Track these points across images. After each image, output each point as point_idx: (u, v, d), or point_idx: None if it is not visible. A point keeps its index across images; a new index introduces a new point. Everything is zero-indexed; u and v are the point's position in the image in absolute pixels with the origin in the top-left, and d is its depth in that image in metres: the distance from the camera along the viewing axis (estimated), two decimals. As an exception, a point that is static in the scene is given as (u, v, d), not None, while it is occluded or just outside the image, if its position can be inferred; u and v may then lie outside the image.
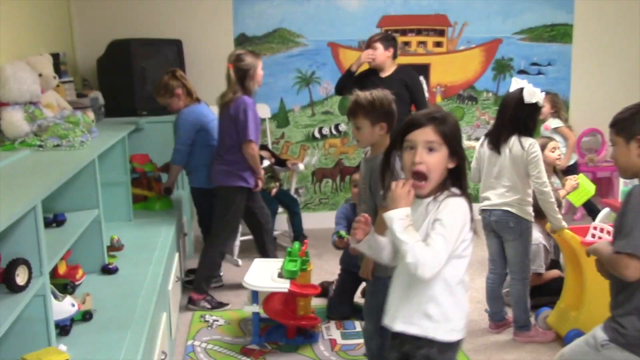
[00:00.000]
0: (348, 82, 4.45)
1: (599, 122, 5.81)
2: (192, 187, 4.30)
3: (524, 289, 3.46)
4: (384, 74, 4.46)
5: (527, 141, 3.30)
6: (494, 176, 3.42)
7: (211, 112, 4.27)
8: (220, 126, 4.03)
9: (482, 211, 3.48)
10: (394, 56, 4.52)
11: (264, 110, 5.32)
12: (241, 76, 3.92)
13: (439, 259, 1.86)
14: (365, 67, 4.53)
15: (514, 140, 3.32)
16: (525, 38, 5.79)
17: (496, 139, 3.39)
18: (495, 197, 3.41)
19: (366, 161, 2.81)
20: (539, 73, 5.85)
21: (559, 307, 3.51)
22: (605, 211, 4.17)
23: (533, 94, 3.29)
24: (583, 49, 5.86)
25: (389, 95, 2.79)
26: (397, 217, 1.87)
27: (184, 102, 4.16)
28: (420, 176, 1.95)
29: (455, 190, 1.99)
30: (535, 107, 3.33)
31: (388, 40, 4.51)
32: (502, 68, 5.80)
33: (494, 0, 5.68)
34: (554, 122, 5.33)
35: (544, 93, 3.37)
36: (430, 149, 1.95)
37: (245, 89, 3.92)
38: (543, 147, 4.03)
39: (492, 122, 5.79)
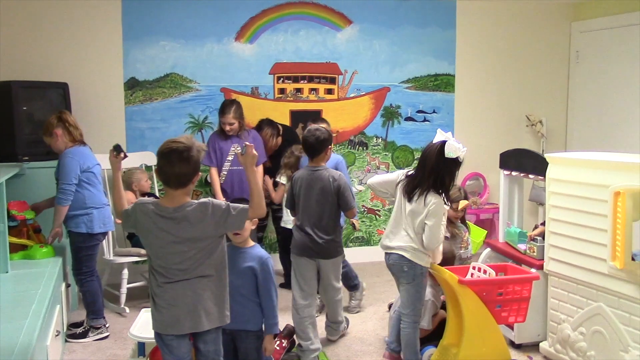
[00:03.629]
0: None
1: (481, 166, 6.16)
2: (72, 232, 4.11)
3: (415, 332, 3.53)
4: None
5: (433, 198, 3.33)
6: (398, 220, 3.50)
7: (94, 158, 4.17)
8: None
9: (385, 253, 3.56)
10: None
11: (149, 159, 5.21)
12: None
13: None
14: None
15: (422, 196, 3.35)
16: (412, 87, 6.08)
17: (411, 188, 3.43)
18: (394, 240, 3.48)
19: None
20: (425, 120, 6.13)
21: (442, 345, 3.61)
22: (486, 251, 4.36)
23: (455, 150, 3.31)
24: (464, 98, 6.22)
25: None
26: None
27: (64, 143, 4.06)
28: None
29: None
30: (455, 163, 3.35)
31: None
32: (391, 115, 6.04)
33: (382, 51, 5.94)
34: None
35: (465, 149, 3.38)
36: None
37: None
38: (454, 202, 4.14)
39: (382, 167, 6.02)
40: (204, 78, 5.50)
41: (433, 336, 3.79)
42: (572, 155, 3.87)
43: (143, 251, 4.69)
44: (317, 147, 3.79)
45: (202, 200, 2.70)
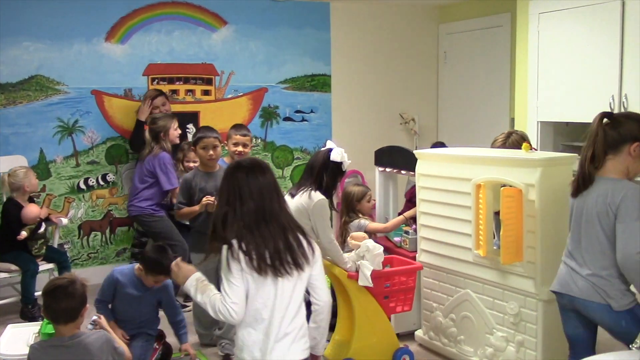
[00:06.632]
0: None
1: (359, 163, 6.29)
2: None
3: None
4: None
5: (317, 195, 3.42)
6: None
7: None
8: None
9: None
10: None
11: (21, 162, 4.89)
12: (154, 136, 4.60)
13: None
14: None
15: (307, 191, 3.44)
16: (289, 87, 6.13)
17: (297, 188, 3.54)
18: None
19: None
20: (303, 120, 6.21)
21: (334, 340, 3.67)
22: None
23: (341, 155, 3.50)
24: (340, 97, 6.36)
25: None
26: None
27: None
28: None
29: None
30: (339, 168, 3.52)
31: None
32: (269, 115, 6.06)
33: (258, 52, 5.95)
34: None
35: (350, 162, 3.58)
36: None
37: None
38: (360, 197, 4.32)
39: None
40: (72, 80, 5.26)
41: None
42: (438, 151, 4.07)
43: (13, 267, 4.43)
44: None
45: (99, 333, 2.81)
